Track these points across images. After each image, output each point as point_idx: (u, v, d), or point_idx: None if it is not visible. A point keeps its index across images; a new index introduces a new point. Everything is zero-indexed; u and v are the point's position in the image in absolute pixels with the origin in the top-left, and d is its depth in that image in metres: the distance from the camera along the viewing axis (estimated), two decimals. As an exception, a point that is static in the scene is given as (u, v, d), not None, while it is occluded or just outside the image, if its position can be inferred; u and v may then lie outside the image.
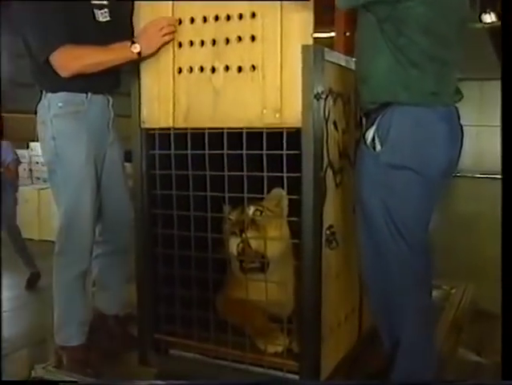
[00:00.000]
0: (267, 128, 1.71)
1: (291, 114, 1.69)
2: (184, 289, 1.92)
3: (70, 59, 1.86)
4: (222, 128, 1.77)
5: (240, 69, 1.75)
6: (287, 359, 1.80)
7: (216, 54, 1.78)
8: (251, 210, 1.96)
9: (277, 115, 1.70)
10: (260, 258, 1.89)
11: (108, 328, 2.23)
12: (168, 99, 1.85)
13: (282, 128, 1.69)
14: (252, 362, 1.85)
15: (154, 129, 1.89)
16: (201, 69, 1.80)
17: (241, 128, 1.74)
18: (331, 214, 1.81)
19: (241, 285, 1.90)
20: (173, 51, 1.84)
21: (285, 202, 1.94)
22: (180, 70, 1.84)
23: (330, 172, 1.80)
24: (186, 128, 1.83)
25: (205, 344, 1.91)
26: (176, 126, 1.85)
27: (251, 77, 1.73)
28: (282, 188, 1.79)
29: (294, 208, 1.78)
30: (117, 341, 2.19)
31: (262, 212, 1.95)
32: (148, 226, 1.97)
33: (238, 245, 1.91)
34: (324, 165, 1.74)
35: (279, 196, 1.94)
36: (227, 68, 1.77)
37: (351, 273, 2.00)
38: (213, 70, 1.79)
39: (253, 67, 1.73)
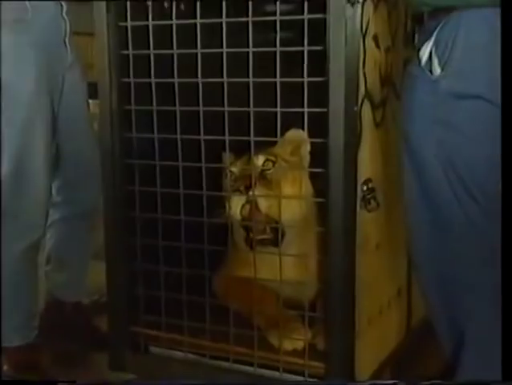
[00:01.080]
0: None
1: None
2: (170, 267, 1.94)
3: None
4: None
5: None
6: (310, 359, 1.83)
7: None
8: (260, 160, 1.98)
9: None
10: (272, 224, 1.91)
11: (67, 320, 2.28)
12: None
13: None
14: (262, 362, 1.88)
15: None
16: None
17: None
18: (368, 164, 1.82)
19: (248, 259, 1.92)
20: None
21: (305, 148, 1.95)
22: None
23: (367, 106, 1.79)
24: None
25: (198, 339, 1.95)
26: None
27: None
28: (302, 128, 1.79)
29: (318, 155, 1.79)
30: (79, 338, 2.24)
31: (274, 162, 1.97)
32: (121, 181, 1.98)
33: (243, 206, 1.92)
34: (360, 97, 1.73)
35: (298, 139, 1.95)
36: None
37: (397, 243, 2.02)
38: None
39: None
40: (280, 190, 1.90)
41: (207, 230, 1.90)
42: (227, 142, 1.83)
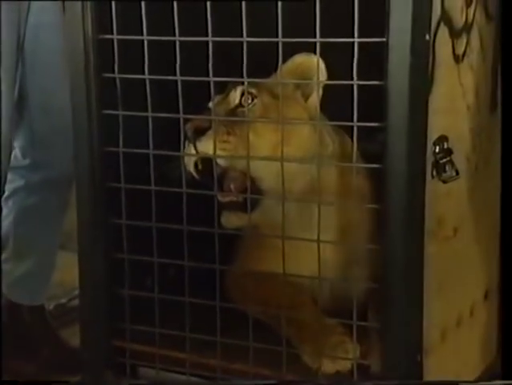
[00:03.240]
0: None
1: None
2: (166, 257, 1.97)
3: None
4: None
5: None
6: (360, 385, 1.86)
7: None
8: (238, 93, 2.09)
9: None
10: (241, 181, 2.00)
11: (24, 331, 2.33)
12: None
13: None
14: (294, 389, 1.89)
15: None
16: None
17: None
18: (443, 115, 1.81)
19: (272, 246, 1.97)
20: None
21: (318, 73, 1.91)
22: None
23: (445, 33, 1.78)
24: None
25: (206, 357, 1.98)
26: None
27: None
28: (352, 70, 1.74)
29: (375, 104, 1.73)
30: (41, 356, 2.30)
31: (254, 97, 2.06)
32: (99, 138, 1.99)
33: (196, 161, 2.03)
34: (434, 20, 1.72)
35: (303, 64, 2.01)
36: None
37: (484, 226, 2.04)
38: None
39: None
40: (258, 137, 1.98)
41: (218, 207, 1.93)
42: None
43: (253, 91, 2.07)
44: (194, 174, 2.04)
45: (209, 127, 1.94)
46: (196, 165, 2.04)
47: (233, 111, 2.07)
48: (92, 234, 2.03)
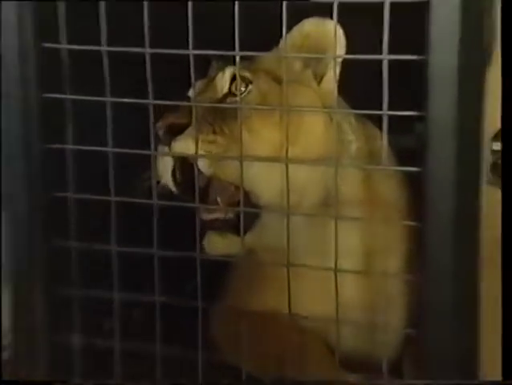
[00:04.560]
0: None
1: None
2: (130, 292, 1.73)
3: None
4: None
5: None
6: None
7: None
8: (226, 76, 1.86)
9: None
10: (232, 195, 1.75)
11: None
12: None
13: None
14: None
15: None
16: None
17: None
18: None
19: (273, 277, 1.82)
20: None
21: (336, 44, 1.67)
22: None
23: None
24: None
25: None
26: None
27: None
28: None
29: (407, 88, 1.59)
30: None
31: (249, 83, 1.82)
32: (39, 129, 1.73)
33: (174, 168, 1.77)
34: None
35: (314, 33, 1.77)
36: None
37: None
38: None
39: None
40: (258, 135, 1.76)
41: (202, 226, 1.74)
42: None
43: (248, 74, 1.83)
44: (172, 187, 1.81)
45: (189, 124, 1.70)
46: (173, 175, 1.77)
47: (220, 102, 1.84)
48: (29, 262, 1.79)
